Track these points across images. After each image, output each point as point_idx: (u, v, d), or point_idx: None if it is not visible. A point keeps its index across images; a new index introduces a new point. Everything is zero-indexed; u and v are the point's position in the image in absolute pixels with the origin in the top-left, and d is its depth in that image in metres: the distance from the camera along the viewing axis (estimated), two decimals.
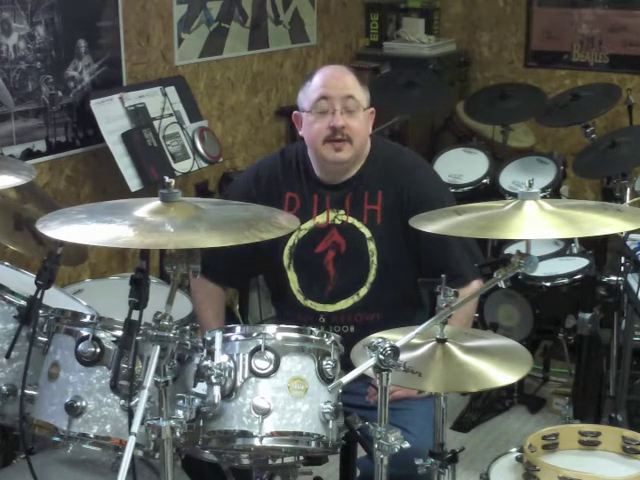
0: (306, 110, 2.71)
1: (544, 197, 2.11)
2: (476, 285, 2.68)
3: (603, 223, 2.02)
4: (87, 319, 2.22)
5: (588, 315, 3.32)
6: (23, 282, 2.46)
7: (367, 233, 2.73)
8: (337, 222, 2.75)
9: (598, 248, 4.31)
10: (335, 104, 2.66)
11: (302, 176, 2.79)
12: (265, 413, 2.10)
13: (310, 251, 2.76)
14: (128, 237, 1.89)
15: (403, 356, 1.96)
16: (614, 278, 3.42)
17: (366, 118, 2.72)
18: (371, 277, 2.73)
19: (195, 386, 2.08)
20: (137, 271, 1.95)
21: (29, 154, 3.53)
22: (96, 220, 1.99)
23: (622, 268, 3.29)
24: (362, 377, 2.03)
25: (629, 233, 3.16)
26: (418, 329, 2.06)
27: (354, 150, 2.69)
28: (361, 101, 2.70)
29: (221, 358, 2.07)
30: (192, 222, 1.97)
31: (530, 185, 2.09)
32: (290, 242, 2.76)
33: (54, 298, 2.43)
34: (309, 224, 2.75)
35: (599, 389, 3.41)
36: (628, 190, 3.95)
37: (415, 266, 2.74)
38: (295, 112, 2.79)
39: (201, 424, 2.11)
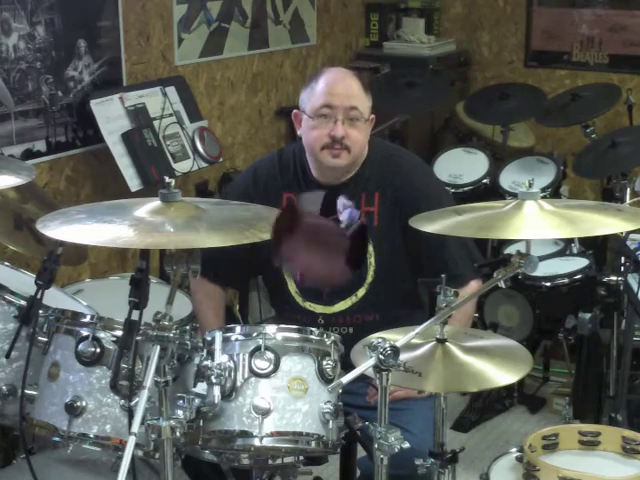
0: (307, 113, 2.70)
1: (544, 197, 2.11)
2: (474, 285, 2.68)
3: (603, 223, 2.02)
4: (87, 319, 2.22)
5: (588, 315, 3.32)
6: (23, 282, 2.45)
7: None
8: None
9: (598, 248, 4.30)
10: (338, 114, 2.64)
11: (299, 177, 2.78)
12: (265, 413, 2.10)
13: None
14: (128, 237, 1.89)
15: (403, 356, 1.96)
16: (614, 278, 3.40)
17: (366, 127, 2.71)
18: (369, 278, 2.73)
19: (195, 386, 2.08)
20: (137, 271, 1.95)
21: (29, 154, 3.53)
22: (96, 220, 1.99)
23: (622, 268, 3.28)
24: (362, 377, 2.03)
25: (629, 233, 3.15)
26: (418, 329, 2.06)
27: (351, 157, 2.68)
28: (364, 112, 2.68)
29: (221, 358, 2.07)
30: (192, 222, 1.97)
31: (530, 185, 2.08)
32: None
33: (54, 298, 2.43)
34: None
35: (599, 389, 3.41)
36: (628, 190, 3.94)
37: (413, 267, 2.74)
38: (295, 111, 2.78)
39: (201, 424, 2.10)
